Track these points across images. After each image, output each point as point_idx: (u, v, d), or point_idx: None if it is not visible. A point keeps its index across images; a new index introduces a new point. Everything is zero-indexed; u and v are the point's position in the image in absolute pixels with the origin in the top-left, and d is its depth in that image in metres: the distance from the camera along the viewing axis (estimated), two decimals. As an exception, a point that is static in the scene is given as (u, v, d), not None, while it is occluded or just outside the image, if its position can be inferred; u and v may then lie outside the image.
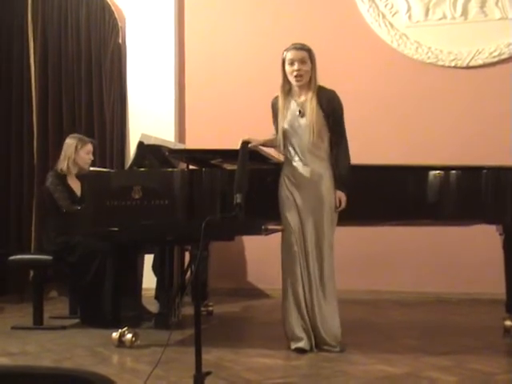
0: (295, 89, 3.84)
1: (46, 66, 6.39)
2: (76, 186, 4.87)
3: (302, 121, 3.77)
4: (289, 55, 3.79)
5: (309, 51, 3.80)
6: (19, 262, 4.92)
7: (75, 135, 5.08)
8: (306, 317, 3.76)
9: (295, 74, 3.76)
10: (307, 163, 3.77)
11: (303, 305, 3.76)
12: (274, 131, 3.95)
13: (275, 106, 3.90)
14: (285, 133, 3.82)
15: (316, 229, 3.75)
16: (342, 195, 3.77)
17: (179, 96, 6.38)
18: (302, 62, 3.76)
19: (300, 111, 3.79)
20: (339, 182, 3.77)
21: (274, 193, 3.90)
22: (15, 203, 6.37)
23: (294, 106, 3.82)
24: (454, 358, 3.57)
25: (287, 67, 3.80)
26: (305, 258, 3.76)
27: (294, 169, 3.79)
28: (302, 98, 3.81)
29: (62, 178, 4.83)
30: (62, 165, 4.85)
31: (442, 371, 3.31)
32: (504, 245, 4.23)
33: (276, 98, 3.91)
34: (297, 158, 3.79)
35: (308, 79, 3.79)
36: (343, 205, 3.78)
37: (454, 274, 5.68)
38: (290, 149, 3.82)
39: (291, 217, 3.78)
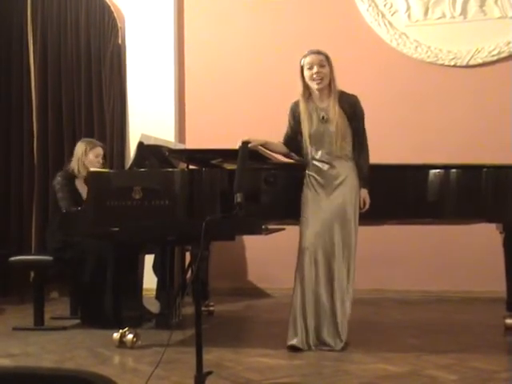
0: (316, 94, 3.90)
1: (46, 67, 6.38)
2: (83, 189, 4.87)
3: (326, 126, 3.85)
4: (307, 60, 3.86)
5: (326, 56, 3.88)
6: (20, 263, 4.92)
7: (86, 139, 5.21)
8: (309, 314, 3.76)
9: (315, 76, 3.83)
10: (333, 165, 3.84)
11: (308, 302, 3.77)
12: (280, 138, 4.02)
13: (295, 112, 3.95)
14: (310, 137, 3.88)
15: (343, 229, 3.79)
16: (366, 194, 3.85)
17: (179, 96, 6.38)
18: (320, 65, 3.84)
19: (324, 117, 3.85)
20: (363, 181, 3.85)
21: (274, 192, 3.92)
22: (15, 204, 6.37)
23: (316, 111, 3.88)
24: (455, 356, 3.58)
25: (306, 72, 3.86)
26: (328, 258, 3.78)
27: (320, 170, 3.85)
28: (325, 104, 3.88)
29: (70, 179, 4.87)
30: (73, 166, 4.90)
31: (444, 369, 3.31)
32: (504, 243, 4.24)
33: (296, 104, 3.96)
34: (322, 160, 3.86)
35: (328, 82, 3.86)
36: (367, 204, 3.84)
37: (455, 272, 5.68)
38: (315, 152, 3.87)
39: (313, 216, 3.80)
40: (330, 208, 3.80)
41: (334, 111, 3.83)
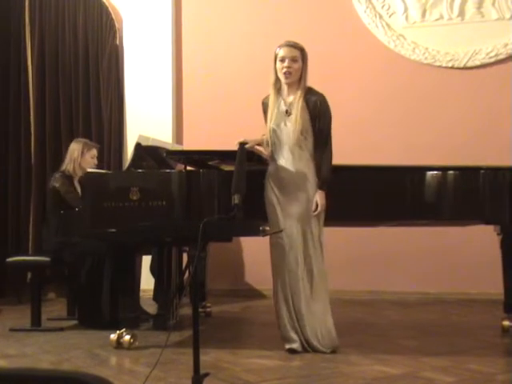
0: (284, 88, 3.84)
1: (44, 68, 6.38)
2: (79, 189, 4.90)
3: (288, 120, 3.78)
4: (281, 52, 3.79)
5: (301, 50, 3.80)
6: (17, 264, 4.91)
7: (81, 139, 5.17)
8: (295, 319, 3.76)
9: (284, 70, 3.76)
10: (292, 163, 3.77)
11: (292, 307, 3.76)
12: (265, 131, 3.98)
13: (266, 106, 3.91)
14: (272, 132, 3.83)
15: (303, 229, 3.74)
16: (322, 196, 3.73)
17: (177, 97, 6.38)
18: (292, 60, 3.76)
19: (287, 111, 3.79)
20: (321, 183, 3.75)
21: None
22: (13, 205, 6.36)
23: (282, 105, 3.83)
24: (451, 358, 3.58)
25: (278, 64, 3.80)
26: (294, 259, 3.75)
27: (279, 169, 3.80)
28: (291, 98, 3.81)
29: (70, 179, 4.87)
30: (69, 167, 4.90)
31: (440, 371, 3.31)
32: (501, 245, 4.24)
33: (267, 98, 3.91)
34: (281, 158, 3.80)
35: (297, 78, 3.79)
36: (320, 207, 3.72)
37: (452, 274, 5.69)
38: (276, 148, 3.82)
39: (277, 219, 3.77)
40: (292, 212, 3.74)
41: (296, 106, 3.75)
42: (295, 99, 3.77)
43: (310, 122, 3.77)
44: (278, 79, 3.84)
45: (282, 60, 3.77)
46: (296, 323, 3.76)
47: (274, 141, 3.81)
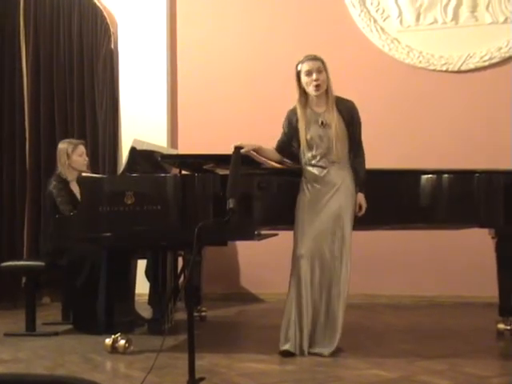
0: (313, 99, 3.90)
1: (38, 72, 6.37)
2: (77, 190, 4.86)
3: (325, 131, 3.85)
4: (305, 66, 3.86)
5: (322, 61, 3.89)
6: (11, 269, 4.90)
7: (65, 140, 5.12)
8: (305, 320, 3.76)
9: (314, 83, 3.83)
10: (330, 170, 3.85)
11: (304, 308, 3.76)
12: (273, 144, 4.02)
13: (292, 119, 3.95)
14: (307, 142, 3.88)
15: (339, 235, 3.79)
16: (362, 198, 3.86)
17: (171, 101, 6.38)
18: (318, 71, 3.84)
19: (323, 122, 3.86)
20: (361, 186, 3.88)
21: (267, 198, 3.92)
22: (7, 209, 6.34)
23: (313, 116, 3.88)
24: (447, 361, 3.58)
25: (304, 78, 3.86)
26: (325, 265, 3.78)
27: (316, 176, 3.86)
28: (322, 109, 3.89)
29: (64, 182, 4.85)
30: (62, 171, 4.88)
31: (436, 375, 3.31)
32: (496, 248, 4.25)
33: (293, 111, 3.96)
34: (319, 165, 3.86)
35: (325, 88, 3.87)
36: (363, 209, 3.86)
37: (448, 277, 5.69)
38: (312, 157, 3.88)
39: (309, 222, 3.80)
40: (326, 214, 3.80)
41: (332, 116, 3.84)
42: (328, 110, 3.87)
43: (346, 129, 3.89)
44: (302, 94, 3.90)
45: (309, 73, 3.85)
46: (301, 325, 3.76)
47: (311, 150, 3.87)
